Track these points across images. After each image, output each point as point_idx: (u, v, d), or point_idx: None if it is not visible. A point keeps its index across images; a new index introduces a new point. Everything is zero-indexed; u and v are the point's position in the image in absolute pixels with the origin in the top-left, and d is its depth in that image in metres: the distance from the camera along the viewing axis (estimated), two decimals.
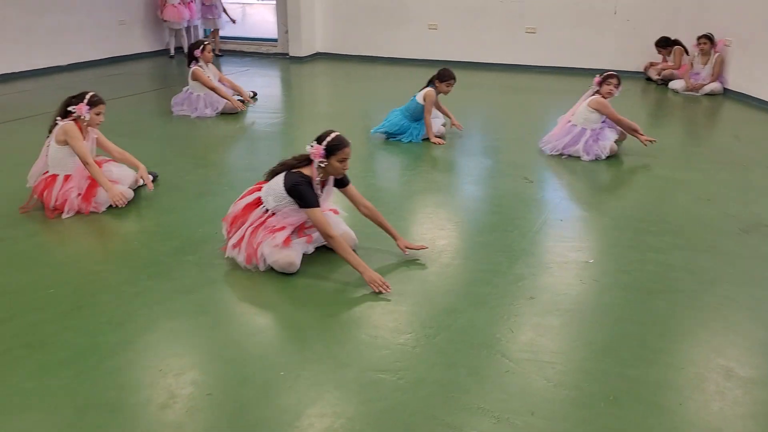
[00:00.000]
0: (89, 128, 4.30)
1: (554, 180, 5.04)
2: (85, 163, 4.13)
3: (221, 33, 11.92)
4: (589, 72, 9.58)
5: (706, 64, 8.28)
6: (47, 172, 4.23)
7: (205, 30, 12.28)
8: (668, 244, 3.83)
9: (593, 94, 5.47)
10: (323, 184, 3.46)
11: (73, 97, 4.24)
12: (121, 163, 4.51)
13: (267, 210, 3.46)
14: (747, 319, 3.05)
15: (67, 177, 4.18)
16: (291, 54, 11.14)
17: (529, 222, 4.19)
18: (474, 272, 3.48)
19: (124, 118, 6.58)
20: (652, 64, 9.06)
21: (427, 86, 5.95)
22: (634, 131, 5.43)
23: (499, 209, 4.46)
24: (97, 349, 2.78)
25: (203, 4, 11.56)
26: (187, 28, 11.51)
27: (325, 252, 3.58)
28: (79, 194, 4.18)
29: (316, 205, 3.32)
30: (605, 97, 5.40)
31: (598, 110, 5.38)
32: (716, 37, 8.21)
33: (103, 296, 3.21)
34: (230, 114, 7.05)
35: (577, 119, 5.49)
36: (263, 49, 11.72)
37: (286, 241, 3.37)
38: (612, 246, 3.82)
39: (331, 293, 3.30)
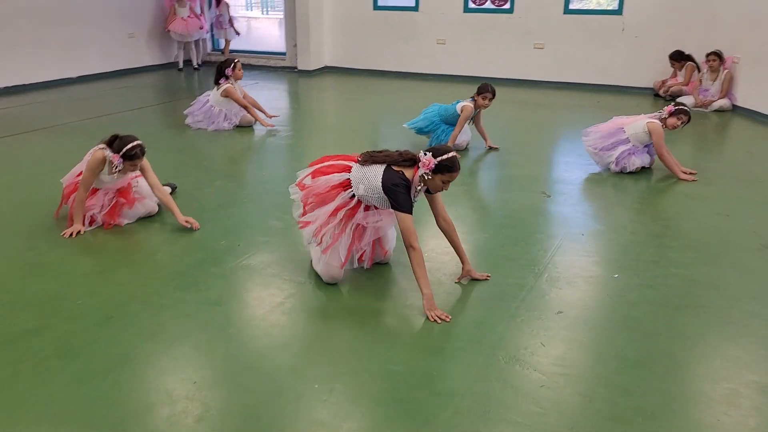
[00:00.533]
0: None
1: (572, 194, 5.06)
2: (79, 190, 4.08)
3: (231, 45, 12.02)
4: (598, 87, 9.75)
5: (715, 80, 8.34)
6: (80, 173, 4.19)
7: (213, 42, 12.37)
8: (691, 259, 3.85)
9: (659, 119, 5.46)
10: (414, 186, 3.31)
11: (123, 136, 4.05)
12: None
13: (353, 196, 3.32)
14: None
15: (93, 191, 4.19)
16: (300, 67, 11.20)
17: (550, 236, 4.21)
18: (500, 286, 3.49)
19: (137, 131, 6.54)
20: (663, 82, 9.11)
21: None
22: (672, 170, 5.43)
23: (519, 222, 4.47)
24: (131, 359, 2.78)
25: (216, 17, 11.65)
26: (196, 41, 11.59)
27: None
28: (102, 211, 4.19)
29: (409, 211, 3.20)
30: (666, 128, 5.41)
31: (651, 134, 5.40)
32: (725, 54, 8.28)
33: (132, 307, 3.22)
34: (245, 127, 7.09)
35: (630, 130, 5.50)
36: (271, 63, 11.79)
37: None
38: (635, 261, 3.83)
39: (363, 305, 3.31)
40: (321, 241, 3.34)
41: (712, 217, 4.55)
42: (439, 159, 3.13)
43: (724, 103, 8.18)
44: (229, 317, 3.17)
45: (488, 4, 10.23)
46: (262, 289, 3.48)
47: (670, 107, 5.47)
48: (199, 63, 11.76)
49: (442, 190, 3.28)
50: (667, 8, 9.22)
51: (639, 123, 5.46)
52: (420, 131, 6.26)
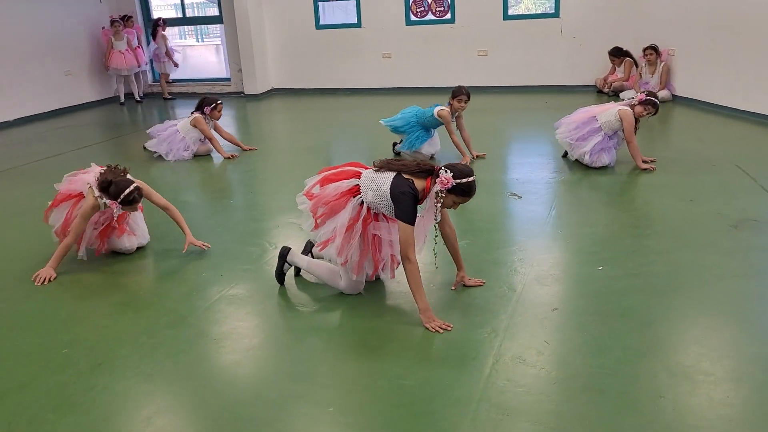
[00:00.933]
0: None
1: (540, 194, 5.14)
2: (64, 235, 3.97)
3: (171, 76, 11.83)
4: (542, 89, 9.99)
5: (653, 73, 8.69)
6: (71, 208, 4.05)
7: (154, 74, 12.14)
8: (668, 245, 3.96)
9: (630, 105, 5.60)
10: (423, 198, 3.26)
11: (118, 180, 3.85)
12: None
13: (363, 203, 3.27)
14: None
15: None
16: (246, 92, 11.10)
17: (528, 236, 4.26)
18: (492, 290, 3.50)
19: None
20: (605, 79, 9.40)
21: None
22: (635, 158, 5.60)
23: (495, 226, 4.52)
24: (133, 405, 2.67)
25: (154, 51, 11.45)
26: (136, 74, 11.35)
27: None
28: (95, 229, 4.05)
29: (411, 222, 3.13)
30: (636, 115, 5.55)
31: (621, 121, 5.52)
32: (660, 48, 8.63)
33: (121, 350, 3.09)
34: (203, 155, 6.98)
35: (602, 118, 5.63)
36: (217, 89, 11.62)
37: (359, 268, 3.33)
38: (615, 252, 3.91)
39: (361, 324, 3.27)
40: (347, 260, 3.28)
41: (679, 203, 4.70)
42: (458, 181, 3.09)
43: (664, 94, 8.51)
44: (228, 349, 3.08)
45: (430, 16, 10.38)
46: (254, 317, 3.40)
47: (642, 96, 5.64)
48: (141, 96, 11.51)
49: (450, 208, 3.27)
50: (600, 8, 9.56)
51: (611, 110, 5.62)
52: (395, 130, 6.30)
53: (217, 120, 7.00)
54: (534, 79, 10.09)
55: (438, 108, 6.06)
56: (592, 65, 9.69)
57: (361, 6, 10.61)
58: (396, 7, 10.46)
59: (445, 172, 3.09)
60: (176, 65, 11.63)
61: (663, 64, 8.61)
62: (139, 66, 11.21)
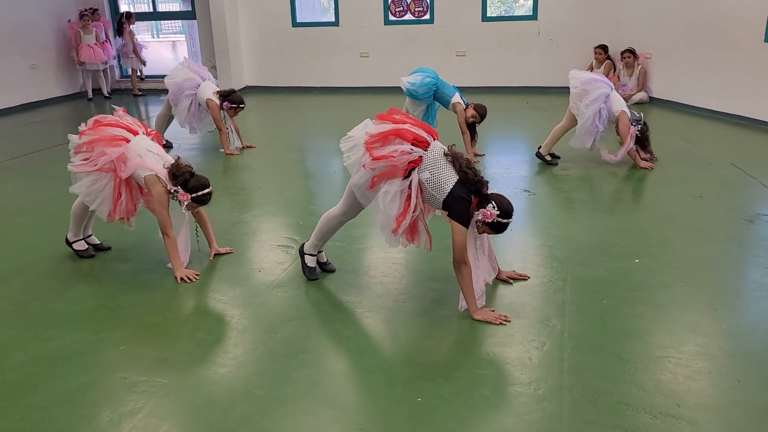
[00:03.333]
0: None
1: (552, 192, 5.26)
2: (164, 234, 3.72)
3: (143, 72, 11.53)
4: (519, 90, 10.20)
5: (631, 75, 9.00)
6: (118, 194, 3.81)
7: (122, 69, 11.78)
8: (694, 238, 4.13)
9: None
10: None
11: (199, 176, 3.72)
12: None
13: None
14: None
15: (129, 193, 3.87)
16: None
17: (553, 232, 4.35)
18: (536, 285, 3.57)
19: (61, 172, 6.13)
20: None
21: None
22: (634, 157, 5.74)
23: (520, 221, 4.59)
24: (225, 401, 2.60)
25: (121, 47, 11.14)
26: (104, 70, 10.99)
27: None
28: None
29: (467, 225, 3.14)
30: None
31: (619, 120, 5.65)
32: (637, 51, 8.95)
33: (183, 346, 3.01)
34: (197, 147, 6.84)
35: (614, 96, 5.73)
36: None
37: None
38: (646, 246, 4.04)
39: (421, 330, 3.28)
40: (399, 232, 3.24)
41: (690, 199, 4.90)
42: (499, 219, 3.11)
43: (642, 96, 8.83)
44: (255, 381, 3.04)
45: (408, 16, 10.45)
46: (274, 344, 3.36)
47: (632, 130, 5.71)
48: (109, 91, 11.16)
49: (480, 233, 3.29)
50: (576, 11, 9.83)
51: (619, 101, 5.74)
52: (412, 95, 6.22)
53: (231, 117, 6.83)
54: (511, 80, 10.29)
55: (457, 101, 6.14)
56: (568, 67, 9.81)
57: (339, 4, 10.58)
58: (374, 6, 10.48)
59: (493, 207, 3.10)
60: (143, 63, 11.33)
61: (640, 66, 8.94)
62: (106, 61, 10.87)
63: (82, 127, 3.91)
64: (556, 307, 3.29)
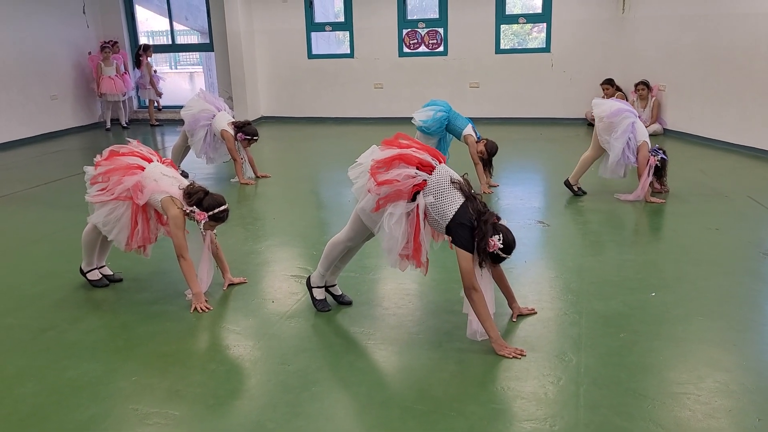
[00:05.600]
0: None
1: (566, 223, 5.24)
2: (180, 257, 3.70)
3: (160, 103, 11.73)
4: (532, 121, 10.23)
5: (645, 107, 9.01)
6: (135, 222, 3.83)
7: (139, 100, 11.98)
8: (709, 271, 4.08)
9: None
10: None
11: (214, 194, 3.78)
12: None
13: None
14: None
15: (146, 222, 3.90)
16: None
17: (568, 264, 4.32)
18: (551, 318, 3.54)
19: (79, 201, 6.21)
20: None
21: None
22: (644, 187, 5.68)
23: (535, 254, 4.57)
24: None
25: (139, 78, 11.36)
26: (123, 101, 11.19)
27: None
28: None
29: (471, 250, 3.11)
30: None
31: (639, 151, 5.65)
32: (651, 83, 8.98)
33: (194, 377, 3.00)
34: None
35: (638, 125, 5.72)
36: None
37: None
38: (662, 280, 3.99)
39: (435, 365, 3.25)
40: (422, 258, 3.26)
41: (705, 232, 4.85)
42: (500, 251, 3.09)
43: (656, 128, 8.82)
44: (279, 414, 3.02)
45: (422, 48, 10.57)
46: (294, 379, 3.35)
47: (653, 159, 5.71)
48: (127, 121, 11.34)
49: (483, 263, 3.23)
50: (589, 44, 9.89)
51: (642, 131, 5.74)
52: (424, 131, 6.26)
53: (245, 148, 6.89)
54: (525, 111, 10.34)
55: (468, 132, 6.17)
56: (581, 99, 9.97)
57: (354, 37, 10.73)
58: (389, 39, 10.62)
59: (499, 239, 3.08)
60: (159, 94, 11.52)
61: (654, 99, 8.95)
62: (126, 92, 11.08)
63: (98, 158, 3.97)
64: (571, 340, 3.26)
